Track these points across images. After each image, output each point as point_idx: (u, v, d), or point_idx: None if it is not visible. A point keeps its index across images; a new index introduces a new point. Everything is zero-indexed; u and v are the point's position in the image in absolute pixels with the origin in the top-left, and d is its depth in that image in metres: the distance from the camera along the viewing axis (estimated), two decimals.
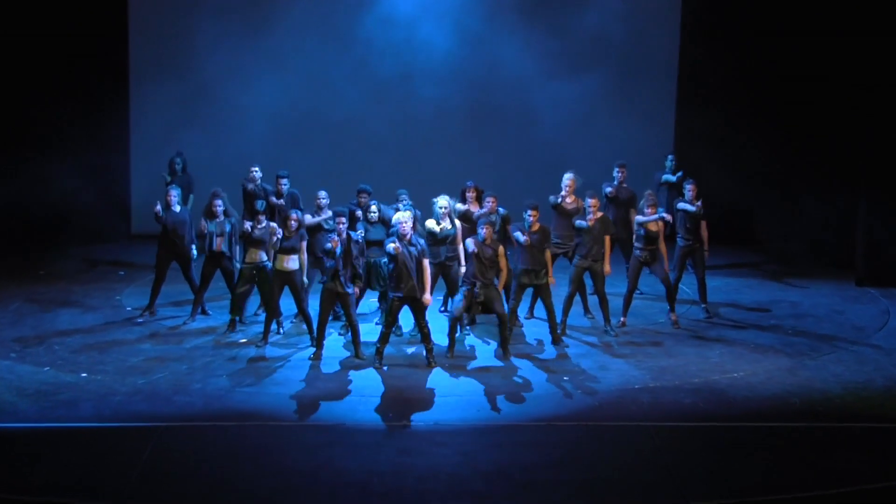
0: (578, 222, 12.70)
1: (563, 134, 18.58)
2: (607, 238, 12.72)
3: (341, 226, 11.64)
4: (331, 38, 18.49)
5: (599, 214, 12.64)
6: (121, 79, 18.43)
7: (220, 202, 12.99)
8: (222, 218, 12.97)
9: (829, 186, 17.28)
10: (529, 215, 12.12)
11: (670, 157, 16.07)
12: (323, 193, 13.06)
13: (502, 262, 11.87)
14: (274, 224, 12.52)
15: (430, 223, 12.55)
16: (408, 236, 11.41)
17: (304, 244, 12.19)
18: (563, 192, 13.38)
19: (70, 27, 17.48)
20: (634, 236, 13.12)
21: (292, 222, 12.03)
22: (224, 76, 18.33)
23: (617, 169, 14.38)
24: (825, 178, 17.42)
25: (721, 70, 18.32)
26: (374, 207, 12.53)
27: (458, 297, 11.95)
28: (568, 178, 13.45)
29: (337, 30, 18.50)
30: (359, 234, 11.93)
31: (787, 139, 18.00)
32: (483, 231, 11.78)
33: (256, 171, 14.16)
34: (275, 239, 12.18)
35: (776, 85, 17.96)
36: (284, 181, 13.61)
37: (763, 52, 17.97)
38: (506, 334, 11.88)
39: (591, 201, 12.59)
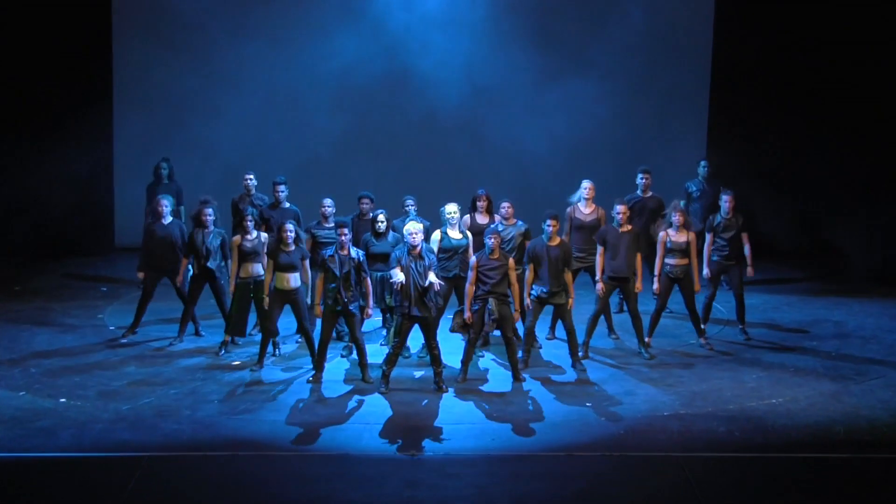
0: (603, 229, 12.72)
1: (583, 137, 18.58)
2: (639, 255, 12.70)
3: (344, 237, 11.66)
4: (327, 37, 18.56)
5: (629, 227, 12.63)
6: (103, 81, 18.50)
7: (210, 211, 12.99)
8: (212, 229, 12.98)
9: (878, 196, 17.26)
10: (549, 226, 12.10)
11: (703, 162, 15.88)
12: (328, 201, 13.08)
13: (513, 276, 11.87)
14: (265, 235, 12.56)
15: (436, 235, 12.56)
16: (418, 248, 11.43)
17: (307, 262, 12.22)
18: (579, 202, 13.42)
19: (50, 29, 17.63)
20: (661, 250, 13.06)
21: (288, 234, 12.02)
22: (213, 79, 18.41)
23: (641, 175, 14.37)
24: (873, 186, 17.39)
25: (759, 66, 18.30)
26: (381, 217, 12.54)
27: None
28: (586, 185, 13.46)
29: (335, 29, 18.56)
30: (360, 252, 11.93)
31: (833, 143, 17.97)
32: (490, 242, 11.78)
33: (251, 179, 14.18)
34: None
35: (822, 83, 17.93)
36: (282, 188, 13.62)
37: (806, 47, 17.93)
38: (515, 359, 11.90)
39: (620, 208, 12.58)
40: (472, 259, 11.87)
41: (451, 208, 12.58)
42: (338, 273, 11.55)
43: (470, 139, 18.71)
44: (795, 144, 18.27)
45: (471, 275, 11.81)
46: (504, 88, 18.78)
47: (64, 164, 17.79)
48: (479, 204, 13.14)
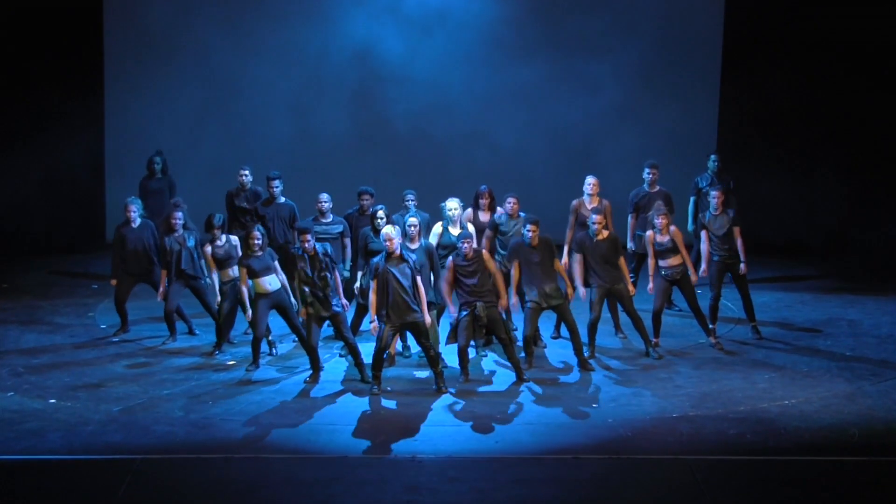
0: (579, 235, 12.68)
1: (586, 128, 18.55)
2: (621, 259, 12.68)
3: (307, 244, 11.66)
4: (325, 27, 18.56)
5: (606, 234, 12.57)
6: (94, 71, 18.53)
7: (179, 215, 13.04)
8: (181, 232, 13.00)
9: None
10: (529, 230, 12.10)
11: (713, 156, 15.63)
12: (325, 196, 13.07)
13: (492, 266, 11.85)
14: (235, 238, 12.58)
15: (436, 229, 12.59)
16: (397, 252, 11.44)
17: (276, 262, 12.19)
18: (584, 198, 13.38)
19: (40, 22, 17.66)
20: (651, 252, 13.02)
21: (255, 241, 12.02)
22: (207, 72, 18.43)
23: (648, 169, 14.30)
24: (892, 178, 17.37)
25: (772, 47, 18.23)
26: (381, 213, 12.50)
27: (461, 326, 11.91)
28: (590, 181, 13.41)
29: (336, 21, 18.57)
30: (324, 247, 11.88)
31: (850, 131, 17.93)
32: (464, 247, 11.79)
33: (246, 175, 14.13)
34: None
35: (837, 66, 17.87)
36: (276, 183, 13.61)
37: (822, 27, 17.85)
38: (515, 359, 11.90)
39: (595, 217, 12.53)
40: (448, 260, 11.89)
41: (452, 204, 12.59)
42: (310, 273, 11.59)
43: (471, 132, 18.69)
44: (810, 133, 18.23)
45: (446, 273, 11.82)
46: (504, 83, 18.76)
47: (54, 158, 17.82)
48: (481, 202, 13.12)
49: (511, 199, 12.84)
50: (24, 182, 17.70)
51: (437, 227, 12.66)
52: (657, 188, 14.31)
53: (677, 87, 18.64)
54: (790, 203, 18.24)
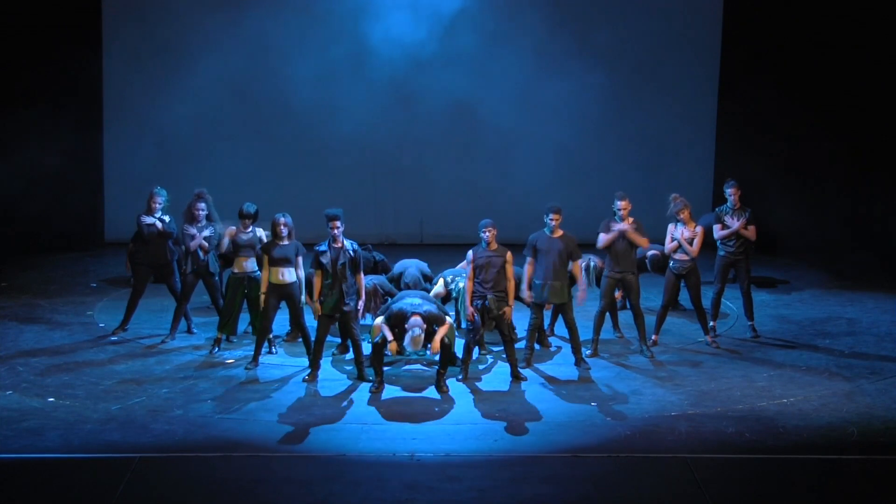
0: (602, 235, 12.59)
1: (583, 131, 18.56)
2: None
3: (336, 230, 11.64)
4: (333, 26, 18.59)
5: (631, 220, 12.58)
6: (93, 69, 18.54)
7: (202, 205, 12.97)
8: (204, 223, 12.96)
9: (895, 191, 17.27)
10: (551, 220, 12.09)
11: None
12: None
13: (510, 271, 11.84)
14: (262, 230, 12.53)
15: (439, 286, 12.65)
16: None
17: (301, 259, 12.15)
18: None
19: (39, 17, 17.65)
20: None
21: (282, 228, 11.99)
22: (205, 70, 18.44)
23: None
24: (892, 180, 17.38)
25: (770, 56, 18.29)
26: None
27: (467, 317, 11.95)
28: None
29: (340, 19, 18.59)
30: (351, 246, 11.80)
31: (849, 136, 17.95)
32: (486, 235, 11.77)
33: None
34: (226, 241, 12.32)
35: (837, 73, 17.91)
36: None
37: (821, 35, 17.89)
38: (514, 358, 11.90)
39: (620, 203, 12.52)
40: (469, 253, 11.89)
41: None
42: (330, 269, 11.56)
43: (471, 131, 18.71)
44: (809, 134, 18.24)
45: (468, 270, 11.83)
46: (506, 81, 18.76)
47: (53, 156, 17.81)
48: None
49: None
50: (23, 180, 17.69)
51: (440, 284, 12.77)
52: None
53: (674, 91, 18.67)
54: (789, 201, 18.23)
